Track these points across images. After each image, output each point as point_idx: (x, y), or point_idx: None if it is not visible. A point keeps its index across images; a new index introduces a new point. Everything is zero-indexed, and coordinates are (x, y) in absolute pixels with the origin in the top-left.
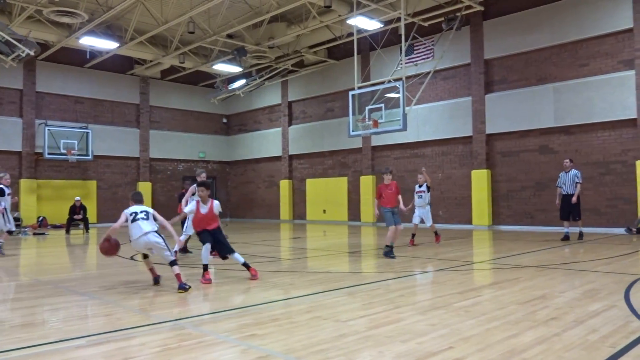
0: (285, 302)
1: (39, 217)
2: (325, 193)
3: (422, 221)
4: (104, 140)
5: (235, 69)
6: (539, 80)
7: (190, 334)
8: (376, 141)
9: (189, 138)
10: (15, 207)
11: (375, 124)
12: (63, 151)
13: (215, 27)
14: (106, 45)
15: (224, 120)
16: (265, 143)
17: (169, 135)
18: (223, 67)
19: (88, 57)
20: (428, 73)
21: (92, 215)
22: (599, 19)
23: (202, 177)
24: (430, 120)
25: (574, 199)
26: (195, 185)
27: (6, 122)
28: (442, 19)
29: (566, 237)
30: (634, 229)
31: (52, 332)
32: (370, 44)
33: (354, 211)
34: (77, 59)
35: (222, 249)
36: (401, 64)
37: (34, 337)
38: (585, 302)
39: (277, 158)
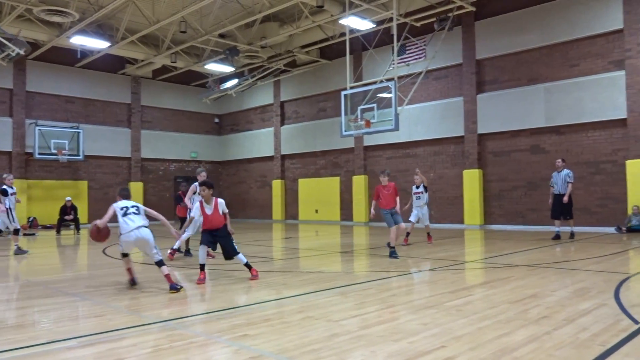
0: (277, 302)
1: (29, 218)
2: (318, 193)
3: (418, 221)
4: (95, 140)
5: (227, 69)
6: (530, 80)
7: (181, 335)
8: (368, 141)
9: (181, 138)
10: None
11: (368, 124)
12: (54, 151)
13: (207, 26)
14: (97, 44)
15: (216, 120)
16: (258, 143)
17: (161, 135)
18: (215, 67)
19: (79, 56)
20: (420, 73)
21: (83, 215)
22: (590, 20)
23: (202, 175)
24: (422, 120)
25: (566, 198)
26: (196, 184)
27: None
28: (434, 19)
29: (557, 237)
30: (623, 228)
31: (43, 333)
32: (362, 44)
33: (346, 211)
34: (68, 58)
35: (224, 253)
36: (393, 64)
37: (25, 338)
38: (575, 300)
39: (270, 158)
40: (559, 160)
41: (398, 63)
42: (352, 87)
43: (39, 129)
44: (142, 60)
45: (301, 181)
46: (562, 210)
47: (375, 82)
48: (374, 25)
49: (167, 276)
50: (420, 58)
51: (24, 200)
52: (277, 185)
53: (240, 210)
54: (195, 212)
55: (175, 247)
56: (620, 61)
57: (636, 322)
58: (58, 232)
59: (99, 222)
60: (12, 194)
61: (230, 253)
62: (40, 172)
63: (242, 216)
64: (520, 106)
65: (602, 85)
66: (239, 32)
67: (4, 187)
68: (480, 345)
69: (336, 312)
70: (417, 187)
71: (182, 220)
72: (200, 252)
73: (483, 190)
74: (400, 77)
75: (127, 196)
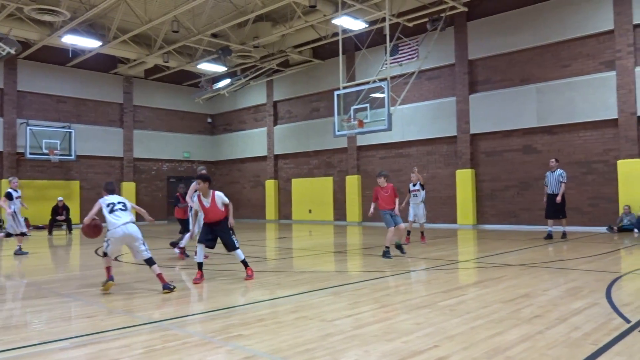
0: (271, 302)
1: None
2: (311, 193)
3: (415, 220)
4: (87, 140)
5: (220, 69)
6: (522, 80)
7: (175, 335)
8: (361, 141)
9: (174, 138)
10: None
11: (361, 123)
12: (45, 151)
13: (200, 26)
14: (89, 44)
15: (209, 120)
16: (251, 143)
17: (153, 135)
18: (208, 67)
19: (70, 55)
20: (413, 73)
21: (75, 215)
22: (581, 21)
23: (199, 170)
24: (415, 120)
25: (559, 198)
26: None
27: None
28: (427, 19)
29: (549, 236)
30: (615, 228)
31: (35, 334)
32: (355, 44)
33: (339, 211)
34: (60, 57)
35: (225, 245)
36: (386, 64)
37: (17, 339)
38: (568, 300)
39: (263, 158)
40: (553, 160)
41: (391, 63)
42: (345, 87)
43: (31, 129)
44: (134, 60)
45: (294, 181)
46: (555, 209)
47: (368, 82)
48: (367, 25)
49: (159, 275)
50: (412, 58)
51: None
52: (270, 185)
53: (234, 210)
54: (195, 205)
55: (182, 244)
56: (611, 62)
57: (628, 321)
58: (50, 232)
59: (85, 219)
60: (17, 198)
61: (228, 247)
62: (31, 172)
63: (235, 216)
64: (512, 106)
65: (593, 86)
66: (231, 31)
67: (9, 190)
68: (473, 344)
69: (330, 312)
70: (414, 185)
71: (180, 221)
72: (198, 250)
73: (476, 190)
74: (393, 77)
75: (112, 190)
